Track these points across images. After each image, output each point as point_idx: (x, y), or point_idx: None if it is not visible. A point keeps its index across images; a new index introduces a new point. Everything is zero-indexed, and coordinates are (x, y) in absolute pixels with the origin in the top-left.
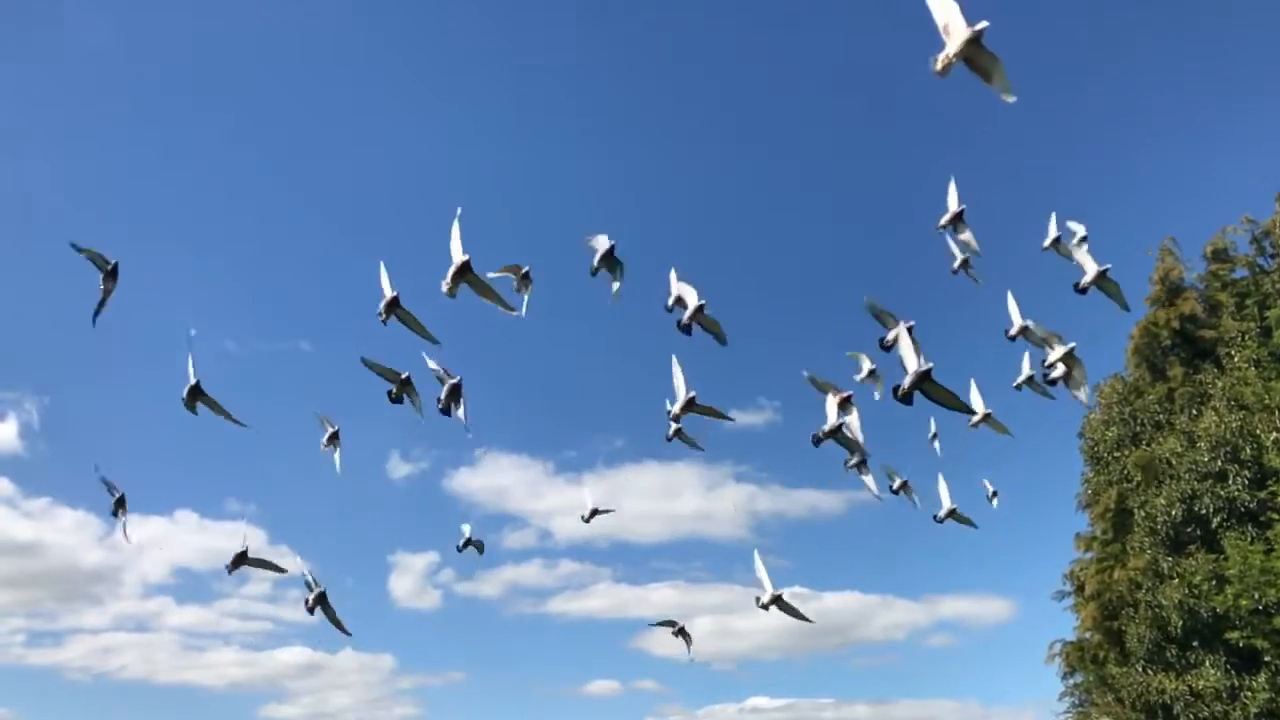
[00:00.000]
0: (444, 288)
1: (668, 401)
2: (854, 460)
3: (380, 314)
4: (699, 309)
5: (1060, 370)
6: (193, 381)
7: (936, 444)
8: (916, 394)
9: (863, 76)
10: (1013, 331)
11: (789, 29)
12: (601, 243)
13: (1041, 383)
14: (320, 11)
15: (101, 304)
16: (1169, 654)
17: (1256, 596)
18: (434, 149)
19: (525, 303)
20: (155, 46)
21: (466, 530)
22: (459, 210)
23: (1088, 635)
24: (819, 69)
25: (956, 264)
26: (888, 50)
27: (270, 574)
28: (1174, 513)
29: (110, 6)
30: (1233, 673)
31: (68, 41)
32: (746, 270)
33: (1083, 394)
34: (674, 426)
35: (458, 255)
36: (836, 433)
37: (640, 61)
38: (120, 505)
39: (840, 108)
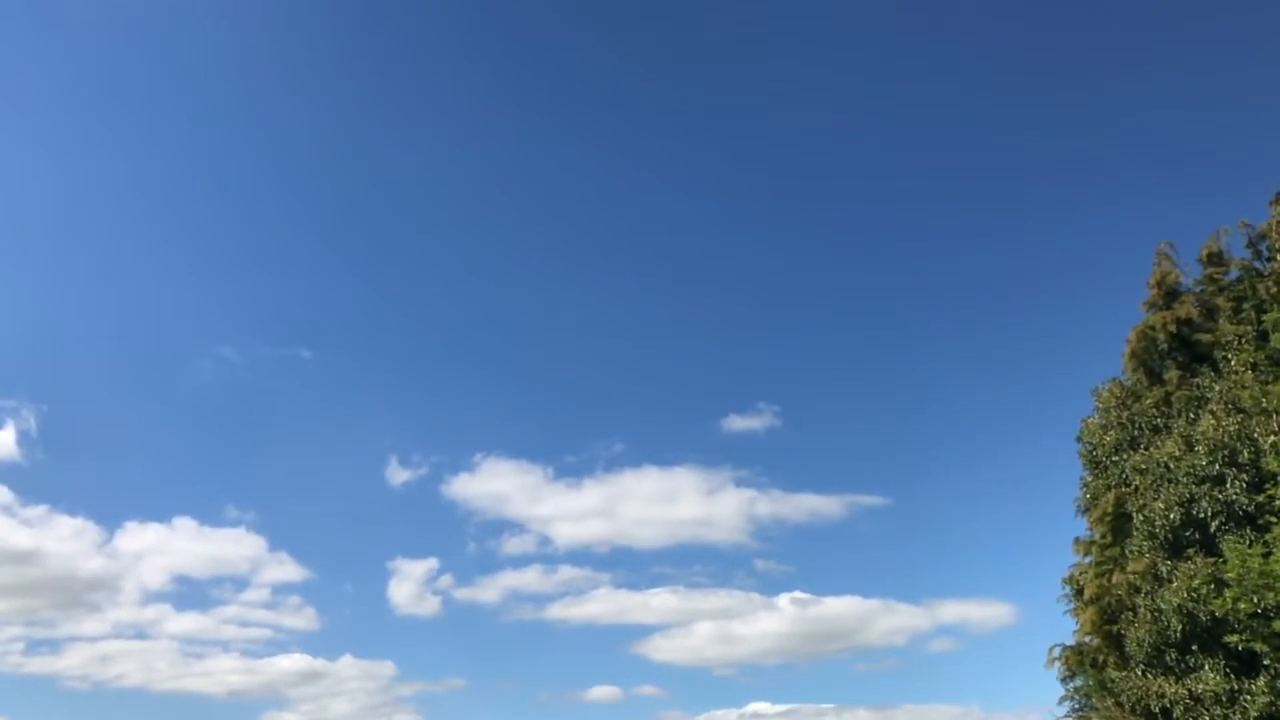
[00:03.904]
0: None
1: None
2: None
3: None
4: None
5: None
6: None
7: None
8: None
9: (862, 85)
10: None
11: (790, 36)
12: None
13: None
14: (321, 22)
15: None
16: (1168, 658)
17: (1255, 600)
18: (434, 153)
19: None
20: (158, 50)
21: None
22: None
23: (1087, 639)
24: (821, 76)
25: None
26: (887, 60)
27: (269, 580)
28: (1172, 516)
29: (115, 10)
30: (1232, 676)
31: (68, 42)
32: (747, 276)
33: None
34: None
35: None
36: None
37: (647, 68)
38: None
39: (839, 116)
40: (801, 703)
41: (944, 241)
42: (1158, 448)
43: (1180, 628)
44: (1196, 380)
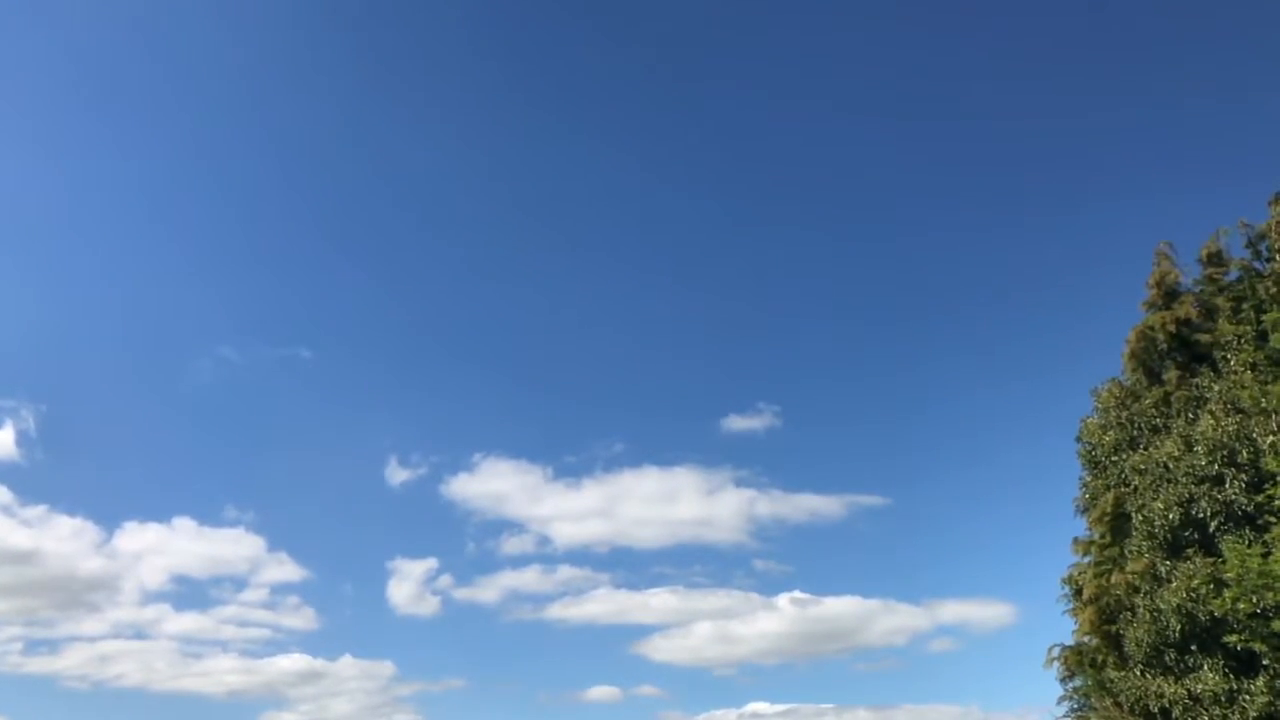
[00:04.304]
0: None
1: None
2: None
3: None
4: None
5: None
6: None
7: None
8: None
9: (861, 87)
10: None
11: (791, 32)
12: None
13: None
14: (319, 19)
15: None
16: (1167, 658)
17: (1255, 600)
18: (431, 152)
19: None
20: (157, 50)
21: None
22: None
23: (1086, 639)
24: (821, 73)
25: None
26: (887, 58)
27: (268, 580)
28: (1171, 516)
29: (114, 8)
30: (1231, 676)
31: (67, 41)
32: (748, 275)
33: None
34: None
35: None
36: None
37: (645, 64)
38: None
39: (839, 116)
40: (801, 703)
41: (944, 241)
42: (1157, 448)
43: (1179, 628)
44: (1196, 380)
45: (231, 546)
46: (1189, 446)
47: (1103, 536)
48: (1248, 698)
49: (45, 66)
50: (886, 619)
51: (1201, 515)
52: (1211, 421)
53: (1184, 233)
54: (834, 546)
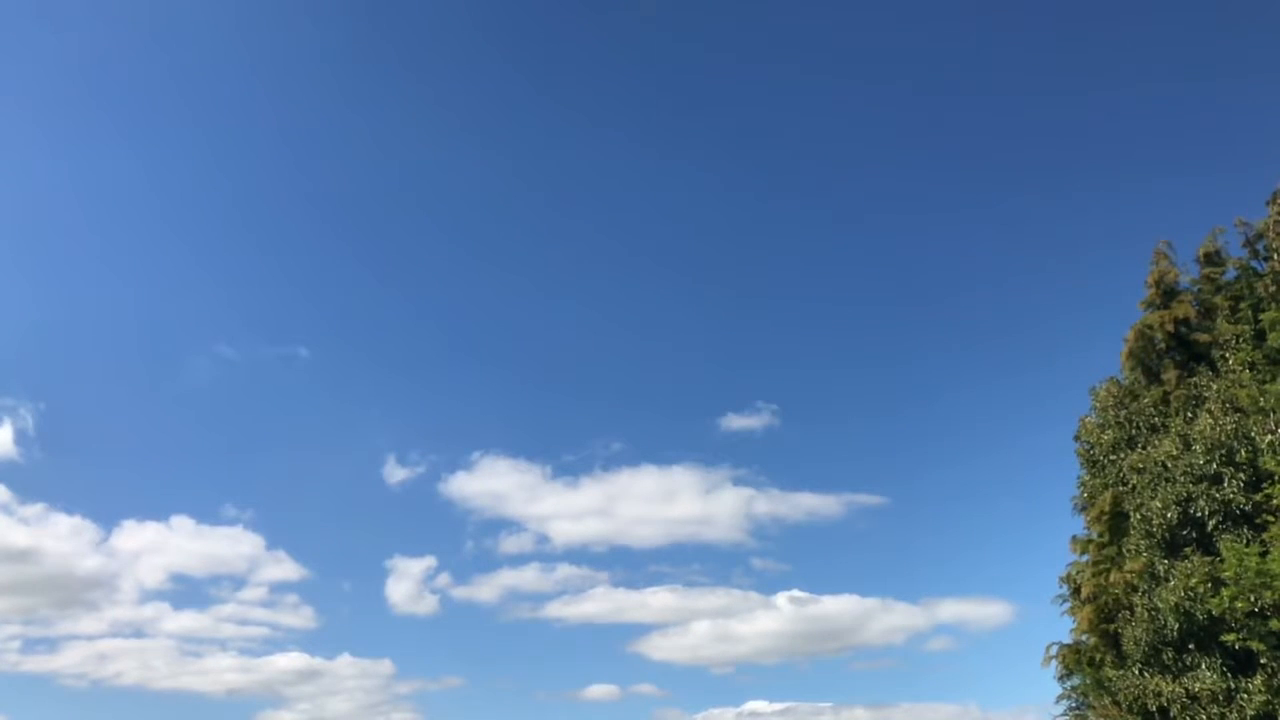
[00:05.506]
0: None
1: None
2: None
3: None
4: None
5: None
6: None
7: None
8: None
9: (860, 84)
10: None
11: (791, 31)
12: None
13: None
14: (320, 21)
15: None
16: (1165, 656)
17: (1252, 599)
18: (430, 149)
19: None
20: (157, 49)
21: None
22: None
23: (1084, 638)
24: (820, 71)
25: None
26: (885, 59)
27: (267, 579)
28: (1170, 515)
29: (117, 4)
30: (1229, 675)
31: (69, 38)
32: (745, 274)
33: None
34: None
35: None
36: None
37: (645, 62)
38: None
39: (836, 115)
40: (799, 701)
41: (941, 240)
42: (1155, 447)
43: (1177, 626)
44: (1194, 379)
45: (230, 545)
46: (1187, 445)
47: (1101, 535)
48: (1245, 696)
49: (45, 64)
50: (884, 618)
51: (1199, 514)
52: (1210, 420)
53: (1183, 231)
54: (832, 545)
